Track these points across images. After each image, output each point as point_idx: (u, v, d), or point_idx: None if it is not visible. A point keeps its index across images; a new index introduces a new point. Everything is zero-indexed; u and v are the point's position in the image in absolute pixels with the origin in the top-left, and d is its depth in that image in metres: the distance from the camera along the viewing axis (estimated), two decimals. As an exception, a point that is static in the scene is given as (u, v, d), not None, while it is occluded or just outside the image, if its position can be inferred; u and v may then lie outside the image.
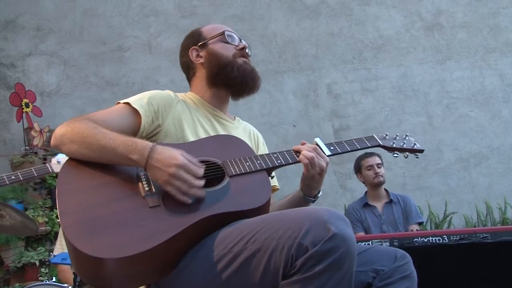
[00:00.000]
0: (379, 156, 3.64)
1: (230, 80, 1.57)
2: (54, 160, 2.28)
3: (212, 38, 1.62)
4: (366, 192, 3.71)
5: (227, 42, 1.61)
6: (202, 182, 1.24)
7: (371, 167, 3.59)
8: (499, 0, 5.48)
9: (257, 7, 5.41)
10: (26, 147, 4.49)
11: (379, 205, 3.60)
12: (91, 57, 5.22)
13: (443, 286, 2.41)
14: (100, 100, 4.98)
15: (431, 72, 5.32)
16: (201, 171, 1.25)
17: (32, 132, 4.54)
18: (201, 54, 1.62)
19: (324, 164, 1.42)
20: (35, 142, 4.51)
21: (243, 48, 1.62)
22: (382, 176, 3.56)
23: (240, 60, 1.59)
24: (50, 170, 2.22)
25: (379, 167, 3.58)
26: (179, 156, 1.24)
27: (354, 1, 5.49)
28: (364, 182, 3.69)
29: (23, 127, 4.60)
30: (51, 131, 4.59)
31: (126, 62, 5.24)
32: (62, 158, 2.16)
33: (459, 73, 5.30)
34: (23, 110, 4.58)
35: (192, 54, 1.63)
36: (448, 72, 5.31)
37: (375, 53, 5.36)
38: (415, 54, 5.37)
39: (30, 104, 4.63)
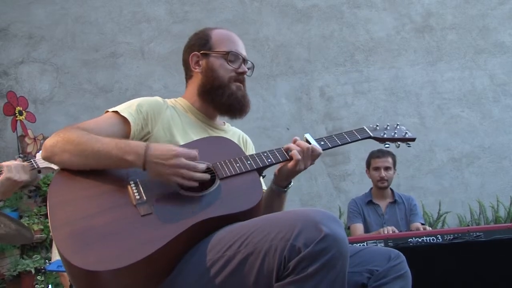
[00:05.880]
0: (392, 155, 3.51)
1: (218, 103, 1.57)
2: (38, 155, 2.25)
3: (216, 52, 1.59)
4: (371, 188, 3.62)
5: (228, 61, 1.58)
6: (203, 165, 1.29)
7: (377, 168, 3.47)
8: (487, 2, 5.54)
9: (249, 11, 5.44)
10: (20, 155, 4.47)
11: (383, 204, 3.52)
12: (84, 64, 5.22)
13: (437, 285, 2.43)
14: (94, 107, 4.98)
15: (422, 73, 5.36)
16: (195, 152, 1.29)
17: (26, 139, 4.53)
18: (200, 62, 1.60)
19: (309, 164, 1.46)
20: (28, 149, 4.49)
21: (242, 73, 1.60)
22: (387, 180, 3.46)
23: (234, 86, 1.57)
24: (36, 166, 2.21)
25: (386, 170, 3.46)
26: (174, 146, 1.27)
27: (345, 4, 5.54)
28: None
29: (17, 135, 4.58)
30: (45, 139, 4.56)
31: (119, 69, 5.24)
32: None
33: (450, 74, 5.35)
34: (17, 119, 4.56)
35: (192, 60, 1.62)
36: (439, 73, 5.36)
37: (367, 56, 5.40)
38: (406, 56, 5.41)
39: (23, 111, 4.62)
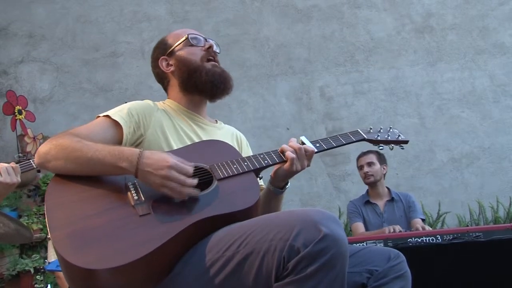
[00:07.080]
0: (376, 153, 3.55)
1: (200, 85, 1.59)
2: None
3: (178, 45, 1.63)
4: (367, 190, 3.66)
5: (192, 45, 1.62)
6: (195, 181, 1.25)
7: (362, 167, 3.55)
8: (487, 2, 5.54)
9: (249, 11, 5.44)
10: (20, 154, 4.47)
11: (380, 203, 3.54)
12: (84, 64, 5.22)
13: (436, 285, 2.43)
14: (94, 106, 4.97)
15: (422, 74, 5.36)
16: (191, 169, 1.26)
17: (26, 139, 4.53)
18: (170, 62, 1.64)
19: (306, 164, 1.46)
20: (28, 148, 4.50)
21: (209, 48, 1.62)
22: (372, 175, 3.50)
23: (209, 65, 1.60)
24: (34, 166, 2.21)
25: (370, 166, 3.51)
26: (168, 157, 1.25)
27: (345, 4, 5.54)
28: None
29: (17, 134, 4.59)
30: (44, 138, 4.58)
31: (119, 68, 5.24)
32: None
33: (450, 74, 5.36)
34: (16, 118, 4.56)
35: (162, 64, 1.65)
36: (439, 74, 5.36)
37: (367, 56, 5.40)
38: (406, 56, 5.41)
39: (23, 110, 4.62)
